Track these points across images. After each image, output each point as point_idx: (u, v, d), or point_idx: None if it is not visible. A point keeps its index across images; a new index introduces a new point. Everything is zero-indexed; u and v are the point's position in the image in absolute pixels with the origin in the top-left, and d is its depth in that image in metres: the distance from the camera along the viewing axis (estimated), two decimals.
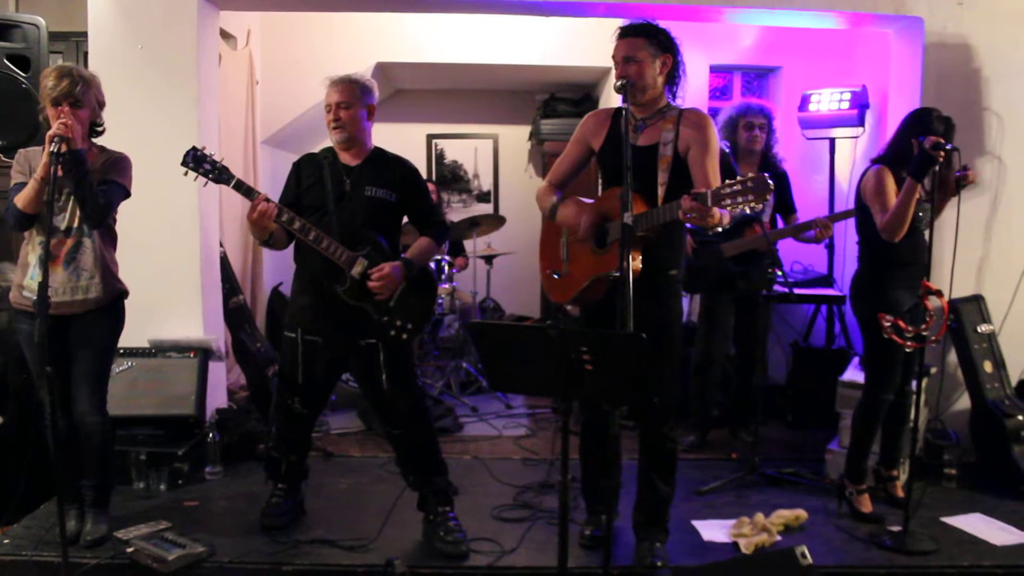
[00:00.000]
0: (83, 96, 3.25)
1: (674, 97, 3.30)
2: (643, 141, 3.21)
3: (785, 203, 4.90)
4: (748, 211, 2.85)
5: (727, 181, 2.83)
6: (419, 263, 3.59)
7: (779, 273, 4.40)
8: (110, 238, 3.50)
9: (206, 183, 3.43)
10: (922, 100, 4.61)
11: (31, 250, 3.35)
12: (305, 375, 3.54)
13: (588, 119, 3.44)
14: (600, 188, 3.43)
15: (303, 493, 3.86)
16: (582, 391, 2.43)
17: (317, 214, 3.50)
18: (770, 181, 2.76)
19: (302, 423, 3.72)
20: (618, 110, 3.35)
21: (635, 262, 3.09)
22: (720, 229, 3.00)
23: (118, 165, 3.43)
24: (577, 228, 3.25)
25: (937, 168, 3.43)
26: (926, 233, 3.64)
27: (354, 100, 3.53)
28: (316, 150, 3.70)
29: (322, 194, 3.53)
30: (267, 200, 3.33)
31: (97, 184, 3.28)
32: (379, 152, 3.67)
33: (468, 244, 6.77)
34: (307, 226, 3.40)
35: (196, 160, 3.37)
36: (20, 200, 3.18)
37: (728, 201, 2.80)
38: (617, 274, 2.73)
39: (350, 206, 3.52)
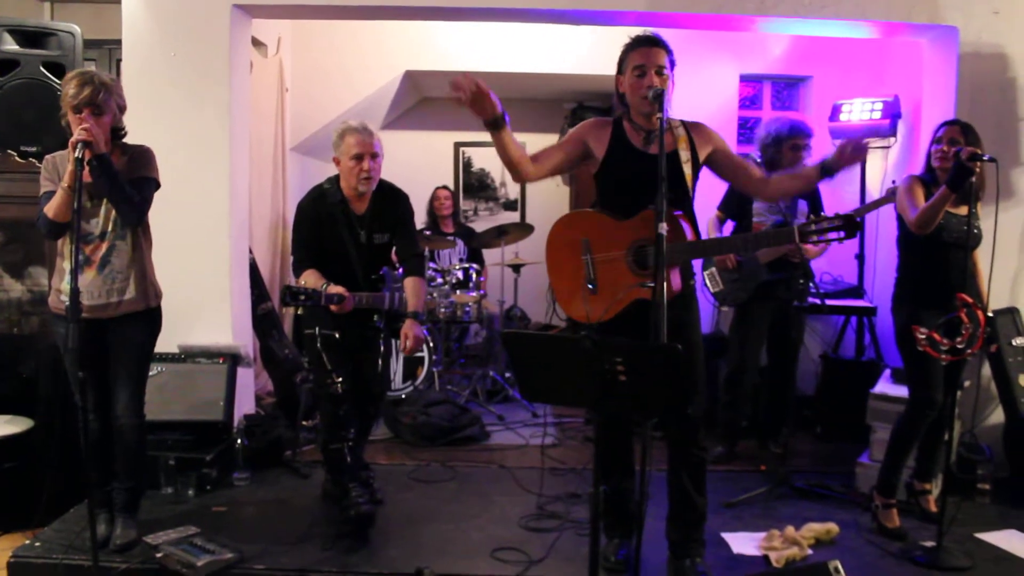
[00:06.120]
0: (105, 103, 3.24)
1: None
2: (656, 151, 3.17)
3: (816, 211, 4.82)
4: (838, 242, 3.00)
5: (812, 217, 2.90)
6: (424, 309, 3.92)
7: (811, 284, 4.35)
8: (146, 241, 3.51)
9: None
10: (956, 110, 4.56)
11: (66, 256, 3.38)
12: (332, 359, 3.71)
13: (587, 123, 3.39)
14: (600, 199, 3.37)
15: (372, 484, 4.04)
16: (615, 402, 2.41)
17: (341, 262, 3.81)
18: (858, 219, 2.91)
19: (348, 400, 3.73)
20: (616, 120, 3.33)
21: (677, 281, 3.12)
22: None
23: (142, 159, 3.43)
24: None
25: (973, 179, 3.43)
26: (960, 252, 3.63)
27: (381, 150, 3.80)
28: (321, 189, 3.86)
29: (342, 245, 3.82)
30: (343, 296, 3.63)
31: (127, 183, 3.29)
32: (377, 190, 3.88)
33: (495, 253, 6.68)
34: (361, 298, 3.73)
35: (293, 296, 3.58)
36: (50, 210, 3.17)
37: (816, 237, 2.98)
38: (652, 284, 2.69)
39: (366, 256, 3.88)
